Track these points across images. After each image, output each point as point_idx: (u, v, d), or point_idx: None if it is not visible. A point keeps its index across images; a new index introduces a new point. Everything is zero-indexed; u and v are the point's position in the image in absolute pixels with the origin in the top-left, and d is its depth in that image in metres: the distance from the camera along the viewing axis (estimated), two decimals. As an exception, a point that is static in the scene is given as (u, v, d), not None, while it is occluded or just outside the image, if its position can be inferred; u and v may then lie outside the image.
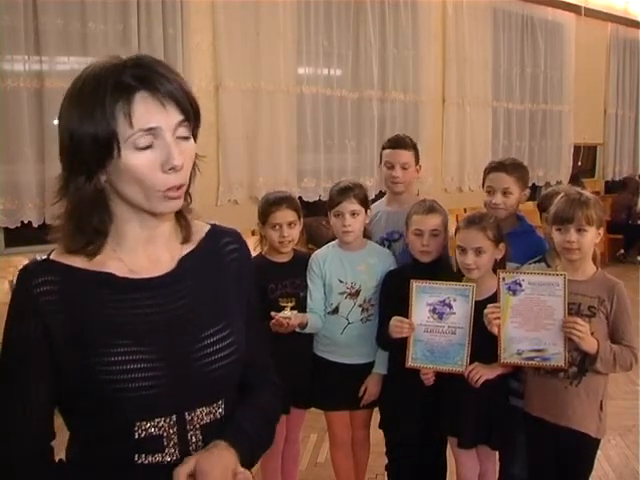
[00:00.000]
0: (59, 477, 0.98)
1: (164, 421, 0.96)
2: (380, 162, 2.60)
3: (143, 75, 0.90)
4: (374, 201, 2.63)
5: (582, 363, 1.92)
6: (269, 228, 2.28)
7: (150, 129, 0.90)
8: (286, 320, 2.11)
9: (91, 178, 0.93)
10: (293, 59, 5.11)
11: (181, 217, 1.05)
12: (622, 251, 7.75)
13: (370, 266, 2.28)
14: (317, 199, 5.36)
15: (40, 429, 0.98)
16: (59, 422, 1.01)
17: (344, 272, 2.27)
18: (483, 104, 6.74)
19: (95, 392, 0.93)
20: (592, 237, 1.93)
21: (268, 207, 2.28)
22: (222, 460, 0.94)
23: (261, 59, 4.85)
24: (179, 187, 0.94)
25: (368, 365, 2.29)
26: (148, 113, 0.90)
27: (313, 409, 2.43)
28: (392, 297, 2.18)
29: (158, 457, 0.96)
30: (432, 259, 2.18)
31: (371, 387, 2.28)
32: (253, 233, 2.72)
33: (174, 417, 0.97)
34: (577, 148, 8.03)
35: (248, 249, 1.16)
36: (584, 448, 1.98)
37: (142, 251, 1.01)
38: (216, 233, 1.11)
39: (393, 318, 2.06)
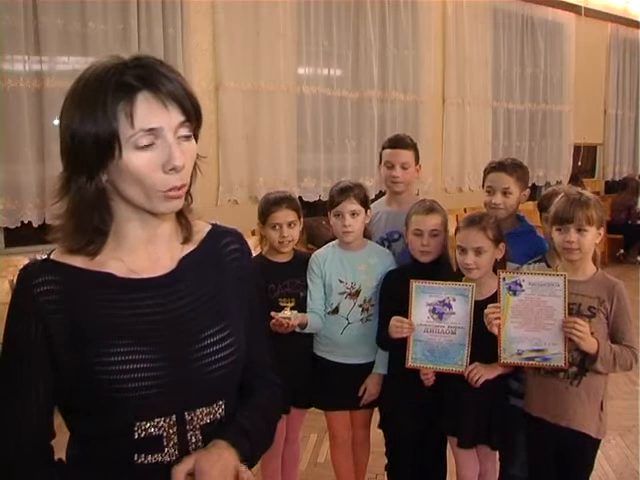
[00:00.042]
0: (59, 476, 0.98)
1: (164, 421, 0.96)
2: (380, 162, 2.59)
3: (145, 75, 0.90)
4: (374, 201, 2.63)
5: (582, 363, 1.92)
6: (269, 228, 2.27)
7: (151, 129, 0.90)
8: (286, 320, 2.11)
9: (92, 178, 0.93)
10: (293, 59, 5.11)
11: (182, 217, 1.05)
12: (622, 251, 7.75)
13: (370, 266, 2.28)
14: (317, 199, 5.37)
15: (40, 428, 0.98)
16: (59, 421, 1.01)
17: (344, 272, 2.27)
18: (483, 104, 6.74)
19: (95, 392, 0.93)
20: (592, 237, 1.93)
21: (268, 207, 2.28)
22: (221, 459, 0.94)
23: (261, 59, 4.86)
24: (180, 187, 0.94)
25: (368, 365, 2.29)
26: (150, 113, 0.90)
27: (313, 409, 2.43)
28: (392, 297, 2.18)
29: (158, 457, 0.96)
30: (432, 259, 2.18)
31: (371, 387, 2.28)
32: (253, 233, 2.72)
33: (174, 417, 0.97)
34: (577, 148, 8.04)
35: (249, 249, 1.16)
36: (584, 448, 1.98)
37: (143, 251, 1.01)
38: (217, 233, 1.11)
39: (393, 318, 2.06)
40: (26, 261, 1.00)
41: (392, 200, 2.60)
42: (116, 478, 0.97)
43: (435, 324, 2.02)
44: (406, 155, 2.51)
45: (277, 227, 2.26)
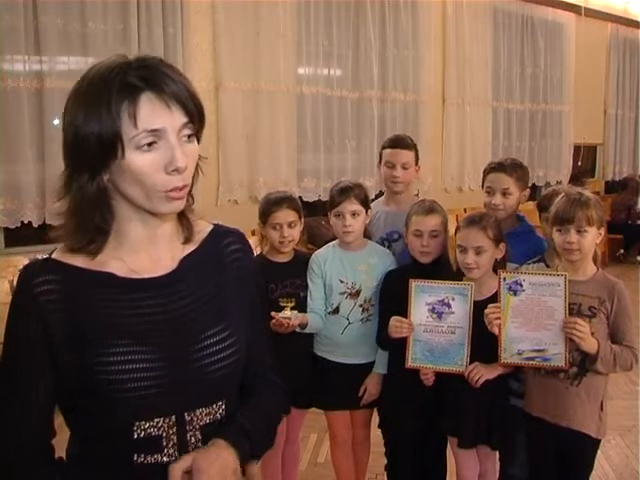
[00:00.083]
0: (59, 475, 0.98)
1: (163, 421, 0.96)
2: (380, 162, 2.59)
3: (149, 76, 0.90)
4: (373, 201, 2.63)
5: (582, 363, 1.92)
6: (269, 228, 2.27)
7: (154, 130, 0.90)
8: (286, 320, 2.11)
9: (94, 177, 0.93)
10: (293, 59, 5.11)
11: (183, 217, 1.05)
12: (622, 251, 7.75)
13: (370, 266, 2.28)
14: (317, 199, 5.37)
15: (40, 428, 0.98)
16: (60, 420, 1.01)
17: (344, 272, 2.27)
18: (483, 104, 6.74)
19: (94, 391, 0.93)
20: (592, 237, 1.93)
21: (269, 207, 2.28)
22: (220, 459, 0.93)
23: (261, 59, 4.86)
24: (182, 188, 0.94)
25: (368, 365, 2.29)
26: (153, 114, 0.90)
27: (313, 409, 2.43)
28: (392, 297, 2.18)
29: (157, 457, 0.96)
30: (432, 259, 2.18)
31: (371, 387, 2.28)
32: (253, 233, 2.73)
33: (173, 417, 0.97)
34: (577, 148, 8.04)
35: (251, 249, 1.16)
36: (584, 448, 1.98)
37: (143, 251, 1.01)
38: (219, 233, 1.11)
39: (392, 318, 2.06)
40: (26, 261, 1.00)
41: (390, 200, 2.60)
42: (116, 477, 0.97)
43: (434, 324, 2.02)
44: (407, 155, 2.51)
45: (277, 227, 2.26)
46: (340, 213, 2.25)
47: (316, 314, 2.27)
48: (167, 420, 0.96)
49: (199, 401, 1.00)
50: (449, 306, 2.01)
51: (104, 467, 0.97)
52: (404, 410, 2.22)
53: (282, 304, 2.19)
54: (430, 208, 2.21)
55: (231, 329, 1.03)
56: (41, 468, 0.98)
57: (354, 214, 2.23)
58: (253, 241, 2.25)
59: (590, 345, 1.85)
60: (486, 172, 2.40)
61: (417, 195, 4.40)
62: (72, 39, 3.98)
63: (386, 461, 2.44)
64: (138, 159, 0.90)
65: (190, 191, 1.00)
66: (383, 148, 2.59)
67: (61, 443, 1.04)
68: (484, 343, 1.95)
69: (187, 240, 1.06)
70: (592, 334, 1.85)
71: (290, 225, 2.27)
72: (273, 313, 2.10)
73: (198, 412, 0.99)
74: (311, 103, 5.30)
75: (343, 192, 2.25)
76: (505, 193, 2.30)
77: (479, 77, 6.63)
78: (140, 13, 4.21)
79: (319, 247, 2.43)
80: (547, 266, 2.15)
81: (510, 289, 1.92)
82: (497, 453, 2.17)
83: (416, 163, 2.56)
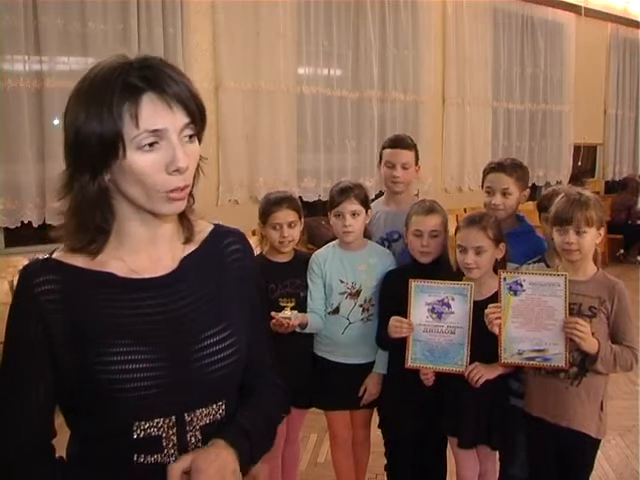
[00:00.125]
0: (60, 474, 0.98)
1: (163, 422, 0.96)
2: (380, 162, 2.59)
3: (151, 76, 0.90)
4: (373, 201, 2.63)
5: (582, 363, 1.92)
6: (269, 228, 2.27)
7: (156, 130, 0.90)
8: (286, 320, 2.11)
9: (95, 177, 0.93)
10: (293, 59, 5.11)
11: (184, 217, 1.05)
12: (622, 251, 7.75)
13: (371, 266, 2.28)
14: (317, 199, 5.37)
15: (40, 428, 0.98)
16: (60, 420, 1.01)
17: (345, 272, 2.27)
18: (483, 104, 6.74)
19: (95, 391, 0.93)
20: (592, 238, 1.92)
21: (269, 207, 2.28)
22: (219, 459, 0.93)
23: (261, 59, 4.86)
24: (183, 188, 0.94)
25: (369, 365, 2.29)
26: (155, 114, 0.90)
27: (313, 409, 2.43)
28: (392, 297, 2.18)
29: (157, 457, 0.96)
30: (432, 260, 2.18)
31: (371, 387, 2.28)
32: (254, 233, 2.72)
33: (173, 418, 0.97)
34: (577, 148, 8.04)
35: (251, 249, 1.16)
36: (584, 448, 1.98)
37: (144, 251, 1.01)
38: (219, 233, 1.11)
39: (392, 318, 2.06)
40: (26, 261, 1.00)
41: (390, 200, 2.60)
42: (116, 477, 0.97)
43: (434, 324, 2.02)
44: (407, 155, 2.51)
45: (277, 227, 2.26)
46: (340, 213, 2.25)
47: (316, 314, 2.27)
48: (167, 420, 0.96)
49: (199, 401, 1.00)
50: (449, 306, 2.01)
51: (104, 467, 0.97)
52: (404, 410, 2.22)
53: (282, 304, 2.19)
54: (430, 208, 2.21)
55: (231, 329, 1.03)
56: (41, 468, 0.98)
57: (354, 214, 2.23)
58: (253, 241, 2.25)
59: (590, 345, 1.85)
60: (486, 172, 2.39)
61: (417, 195, 4.41)
62: (72, 39, 3.99)
63: (386, 461, 2.44)
64: (139, 159, 0.90)
65: (191, 192, 1.00)
66: (383, 148, 2.59)
67: (61, 443, 1.04)
68: (484, 343, 1.95)
69: (187, 240, 1.06)
70: (592, 334, 1.85)
71: (290, 225, 2.27)
72: (273, 313, 2.10)
73: (198, 412, 0.99)
74: (311, 103, 5.30)
75: (343, 192, 2.25)
76: (505, 193, 2.30)
77: (479, 77, 6.63)
78: (140, 13, 4.21)
79: (319, 247, 2.43)
80: (547, 266, 2.15)
81: (510, 289, 1.92)
82: (497, 453, 2.17)
83: (416, 163, 2.56)
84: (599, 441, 2.00)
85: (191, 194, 1.01)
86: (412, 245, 2.20)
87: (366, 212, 2.29)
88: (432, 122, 6.20)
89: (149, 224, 0.99)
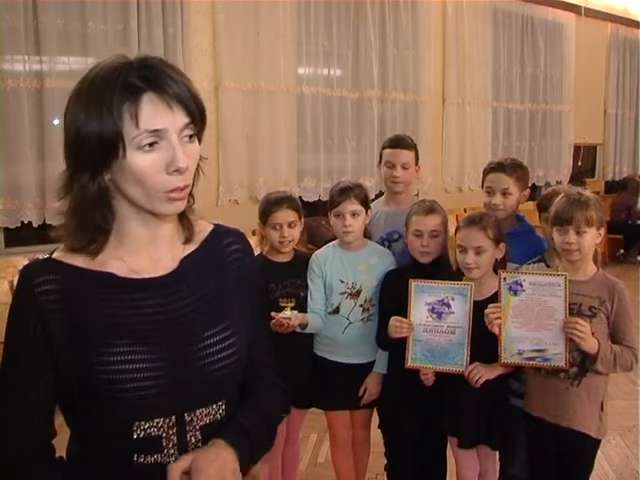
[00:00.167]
0: (60, 474, 0.98)
1: (163, 422, 0.96)
2: (380, 162, 2.59)
3: (151, 76, 0.90)
4: (373, 201, 2.63)
5: (583, 363, 1.92)
6: (269, 228, 2.27)
7: (156, 130, 0.90)
8: (286, 320, 2.11)
9: (95, 177, 0.93)
10: (293, 59, 5.11)
11: (184, 217, 1.05)
12: (622, 251, 7.75)
13: (371, 266, 2.28)
14: (317, 199, 5.37)
15: (40, 428, 0.98)
16: (60, 420, 1.01)
17: (345, 272, 2.27)
18: (483, 104, 6.74)
19: (95, 391, 0.93)
20: (592, 238, 1.92)
21: (269, 207, 2.28)
22: (219, 459, 0.93)
23: (261, 59, 4.86)
24: (183, 188, 0.94)
25: (369, 365, 2.29)
26: (155, 114, 0.90)
27: (313, 409, 2.43)
28: (392, 297, 2.18)
29: (157, 457, 0.96)
30: (432, 260, 2.18)
31: (371, 387, 2.28)
32: (253, 233, 2.72)
33: (173, 418, 0.97)
34: (577, 148, 8.04)
35: (252, 249, 1.16)
36: (584, 448, 1.98)
37: (144, 251, 1.01)
38: (219, 233, 1.11)
39: (392, 318, 2.06)
40: (26, 261, 1.00)
41: (390, 200, 2.60)
42: (116, 477, 0.97)
43: (434, 324, 2.02)
44: (407, 155, 2.51)
45: (277, 227, 2.26)
46: (340, 213, 2.25)
47: (316, 314, 2.27)
48: (167, 420, 0.96)
49: (199, 401, 1.00)
50: (449, 306, 2.01)
51: (104, 467, 0.97)
52: (404, 410, 2.22)
53: (282, 304, 2.19)
54: (430, 208, 2.21)
55: (232, 329, 1.03)
56: (41, 468, 0.98)
57: (354, 214, 2.23)
58: (253, 241, 2.25)
59: (590, 345, 1.85)
60: (486, 172, 2.39)
61: (417, 195, 4.41)
62: (72, 39, 3.99)
63: (386, 461, 2.44)
64: (139, 159, 0.90)
65: (191, 192, 1.00)
66: (383, 148, 2.59)
67: (62, 443, 1.04)
68: (484, 343, 1.95)
69: (188, 240, 1.06)
70: (592, 334, 1.85)
71: (290, 225, 2.27)
72: (273, 313, 2.09)
73: (198, 412, 0.99)
74: (311, 103, 5.30)
75: (343, 192, 2.25)
76: (505, 193, 2.30)
77: (479, 77, 6.63)
78: (140, 13, 4.21)
79: (319, 247, 2.43)
80: (547, 266, 2.15)
81: (510, 289, 1.91)
82: (497, 453, 2.17)
83: (416, 163, 2.56)
84: (599, 441, 2.00)
85: (191, 194, 1.01)
86: (412, 245, 2.20)
87: (366, 212, 2.29)
88: (432, 122, 6.20)
89: (149, 224, 0.99)
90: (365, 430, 2.42)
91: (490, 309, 1.93)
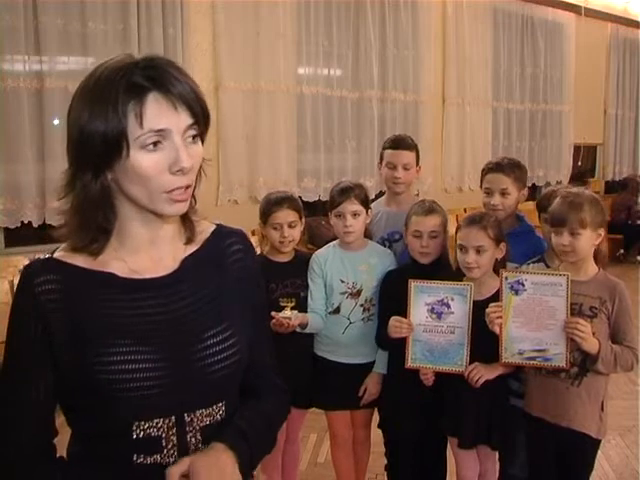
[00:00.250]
0: (60, 474, 0.98)
1: (163, 422, 0.96)
2: (380, 162, 2.59)
3: (155, 76, 0.90)
4: (373, 201, 2.63)
5: (583, 363, 1.92)
6: (270, 228, 2.28)
7: (160, 130, 0.90)
8: (286, 320, 2.11)
9: (98, 176, 0.93)
10: (293, 59, 5.12)
11: (186, 218, 1.05)
12: (622, 251, 7.75)
13: (371, 266, 2.28)
14: (317, 199, 5.37)
15: (40, 427, 0.98)
16: (62, 419, 1.02)
17: (345, 272, 2.27)
18: (483, 104, 6.74)
19: (95, 391, 0.93)
20: (587, 240, 1.91)
21: (269, 207, 2.28)
22: (218, 462, 0.93)
23: (261, 59, 4.86)
24: (186, 188, 0.94)
25: (369, 365, 2.29)
26: (159, 114, 0.90)
27: (313, 409, 2.43)
28: (391, 297, 2.18)
29: (157, 458, 0.96)
30: (431, 260, 2.18)
31: (371, 387, 2.28)
32: (253, 233, 2.73)
33: (173, 418, 0.97)
34: (577, 148, 8.04)
35: (253, 250, 1.15)
36: (585, 449, 1.98)
37: (145, 251, 1.01)
38: (221, 233, 1.11)
39: (392, 318, 2.06)
40: (26, 261, 1.00)
41: (391, 200, 2.60)
42: (116, 477, 0.97)
43: (434, 324, 2.02)
44: (408, 156, 2.51)
45: (278, 227, 2.26)
46: (341, 213, 2.24)
47: (316, 314, 2.27)
48: (167, 421, 0.96)
49: (199, 402, 1.00)
50: (448, 306, 2.01)
51: (104, 466, 0.97)
52: (404, 410, 2.22)
53: (282, 304, 2.19)
54: (430, 209, 2.21)
55: (232, 329, 1.03)
56: (42, 467, 0.98)
57: (355, 214, 2.23)
58: (253, 241, 2.25)
59: (591, 345, 1.85)
60: (484, 172, 2.39)
61: (417, 195, 4.40)
62: (72, 39, 3.99)
63: (386, 461, 2.44)
64: (143, 158, 0.90)
65: (193, 193, 1.00)
66: (384, 149, 2.59)
67: (63, 442, 1.04)
68: (484, 343, 1.95)
69: (189, 240, 1.06)
70: (593, 334, 1.85)
71: (290, 225, 2.27)
72: (273, 313, 2.09)
73: (198, 413, 0.99)
74: (311, 103, 5.30)
75: (343, 192, 2.25)
76: (504, 193, 2.29)
77: (479, 77, 6.63)
78: (140, 13, 4.21)
79: (319, 247, 2.43)
80: (547, 266, 2.15)
81: (512, 288, 1.91)
82: (497, 453, 2.17)
83: (417, 163, 2.56)
84: (599, 441, 2.00)
85: (193, 195, 1.01)
86: (411, 246, 2.20)
87: (366, 212, 2.28)
88: (432, 122, 6.20)
89: (151, 224, 0.99)
90: (365, 430, 2.42)
91: (491, 308, 1.93)
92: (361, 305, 2.27)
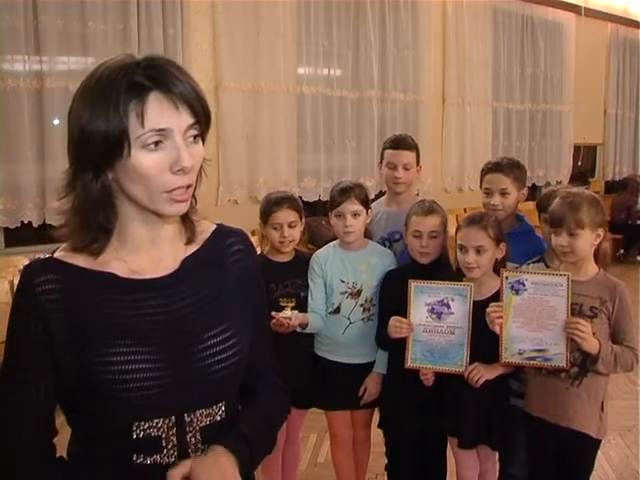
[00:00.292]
0: (60, 474, 0.98)
1: (163, 422, 0.96)
2: (381, 162, 2.59)
3: (157, 75, 0.90)
4: (373, 201, 2.63)
5: (583, 364, 1.91)
6: (270, 228, 2.28)
7: (161, 130, 0.90)
8: (286, 320, 2.11)
9: (99, 175, 0.93)
10: (293, 59, 5.12)
11: (186, 218, 1.05)
12: (622, 251, 7.75)
13: (371, 266, 2.28)
14: (317, 199, 5.37)
15: (40, 427, 0.98)
16: (62, 418, 1.02)
17: (345, 272, 2.27)
18: (483, 104, 6.74)
19: (95, 391, 0.93)
20: (586, 240, 1.90)
21: (269, 207, 2.29)
22: (219, 465, 0.94)
23: (261, 59, 4.86)
24: (186, 188, 0.94)
25: (369, 365, 2.29)
26: (161, 113, 0.90)
27: (313, 409, 2.43)
28: (391, 297, 2.18)
29: (157, 458, 0.96)
30: (431, 260, 2.18)
31: (371, 386, 2.28)
32: (253, 233, 2.73)
33: (173, 418, 0.97)
34: (577, 148, 8.04)
35: (254, 250, 1.15)
36: (585, 449, 1.98)
37: (145, 252, 1.01)
38: (222, 233, 1.11)
39: (392, 318, 2.06)
40: (26, 261, 1.00)
41: (392, 200, 2.60)
42: (116, 477, 0.97)
43: (434, 324, 2.02)
44: (408, 156, 2.51)
45: (278, 227, 2.26)
46: (341, 213, 2.24)
47: (317, 314, 2.27)
48: (167, 421, 0.96)
49: (199, 402, 1.00)
50: (448, 306, 2.01)
51: (104, 466, 0.97)
52: (404, 410, 2.22)
53: (282, 304, 2.19)
54: (429, 209, 2.21)
55: (233, 329, 1.03)
56: (42, 467, 0.98)
57: (355, 214, 2.23)
58: (254, 241, 2.25)
59: (591, 345, 1.84)
60: (483, 172, 2.39)
61: (417, 195, 4.40)
62: (72, 39, 3.99)
63: (386, 461, 2.44)
64: (144, 158, 0.90)
65: (193, 193, 1.00)
66: (384, 149, 2.59)
67: (63, 442, 1.04)
68: (484, 343, 1.95)
69: (190, 240, 1.06)
70: (593, 334, 1.85)
71: (290, 225, 2.27)
72: (274, 313, 2.09)
73: (198, 413, 0.99)
74: (311, 103, 5.30)
75: (344, 192, 2.25)
76: (503, 193, 2.29)
77: (479, 77, 6.64)
78: (140, 13, 4.21)
79: (319, 247, 2.43)
80: (547, 266, 2.15)
81: (512, 288, 1.91)
82: (497, 453, 2.17)
83: (417, 163, 2.56)
84: (599, 441, 2.00)
85: (193, 195, 1.01)
86: (411, 246, 2.20)
87: (367, 212, 2.28)
88: (432, 122, 6.20)
89: (151, 225, 0.99)
90: (365, 430, 2.42)
91: (492, 308, 1.92)
92: (361, 305, 2.27)
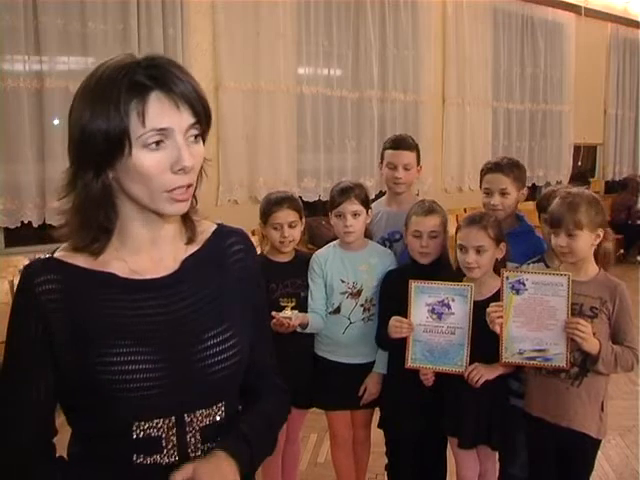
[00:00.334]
0: (60, 474, 0.98)
1: (163, 422, 0.96)
2: (381, 162, 2.59)
3: (158, 75, 0.90)
4: (373, 201, 2.63)
5: (583, 364, 1.91)
6: (270, 228, 2.28)
7: (162, 129, 0.90)
8: (287, 320, 2.11)
9: (99, 175, 0.93)
10: (293, 59, 5.12)
11: (187, 218, 1.05)
12: (622, 251, 7.75)
13: (371, 266, 2.28)
14: (317, 199, 5.37)
15: (41, 427, 0.98)
16: (62, 418, 1.02)
17: (345, 272, 2.27)
18: (483, 104, 6.74)
19: (95, 391, 0.93)
20: (585, 241, 1.90)
21: (269, 207, 2.29)
22: (220, 469, 0.94)
23: (261, 59, 4.86)
24: (187, 188, 0.94)
25: (369, 365, 2.29)
26: (162, 113, 0.90)
27: (313, 409, 2.43)
28: (392, 297, 2.18)
29: (156, 458, 0.96)
30: (431, 260, 2.18)
31: (371, 386, 2.28)
32: (253, 233, 2.73)
33: (173, 418, 0.97)
34: (577, 148, 8.04)
35: (254, 250, 1.15)
36: (585, 449, 1.98)
37: (145, 252, 1.01)
38: (222, 233, 1.11)
39: (392, 318, 2.06)
40: (26, 261, 1.00)
41: (392, 200, 2.60)
42: (116, 477, 0.97)
43: (434, 324, 2.02)
44: (409, 156, 2.51)
45: (278, 227, 2.26)
46: (341, 213, 2.24)
47: (317, 314, 2.27)
48: (167, 421, 0.96)
49: (199, 402, 1.00)
50: (449, 307, 2.01)
51: (104, 466, 0.97)
52: (404, 410, 2.22)
53: (283, 304, 2.19)
54: (429, 209, 2.21)
55: (233, 330, 1.03)
56: (42, 467, 0.98)
57: (355, 214, 2.23)
58: (254, 241, 2.25)
59: (592, 346, 1.84)
60: (483, 173, 2.39)
61: (417, 195, 4.40)
62: (72, 39, 3.99)
63: (386, 461, 2.44)
64: (145, 157, 0.90)
65: (194, 193, 1.00)
66: (384, 149, 2.58)
67: (63, 442, 1.04)
68: (484, 343, 1.95)
69: (190, 240, 1.06)
70: (593, 334, 1.85)
71: (291, 225, 2.27)
72: (274, 313, 2.09)
73: (198, 413, 0.99)
74: (311, 103, 5.30)
75: (344, 192, 2.25)
76: (503, 193, 2.29)
77: (479, 77, 6.64)
78: (140, 13, 4.21)
79: (319, 247, 2.43)
80: (547, 266, 2.15)
81: (513, 288, 1.91)
82: (497, 453, 2.17)
83: (418, 163, 2.56)
84: (599, 441, 2.00)
85: (194, 195, 1.01)
86: (411, 246, 2.20)
87: (367, 212, 2.28)
88: (432, 122, 6.21)
89: (152, 225, 0.99)
90: (365, 430, 2.42)
91: (492, 308, 1.92)
92: (361, 305, 2.27)
